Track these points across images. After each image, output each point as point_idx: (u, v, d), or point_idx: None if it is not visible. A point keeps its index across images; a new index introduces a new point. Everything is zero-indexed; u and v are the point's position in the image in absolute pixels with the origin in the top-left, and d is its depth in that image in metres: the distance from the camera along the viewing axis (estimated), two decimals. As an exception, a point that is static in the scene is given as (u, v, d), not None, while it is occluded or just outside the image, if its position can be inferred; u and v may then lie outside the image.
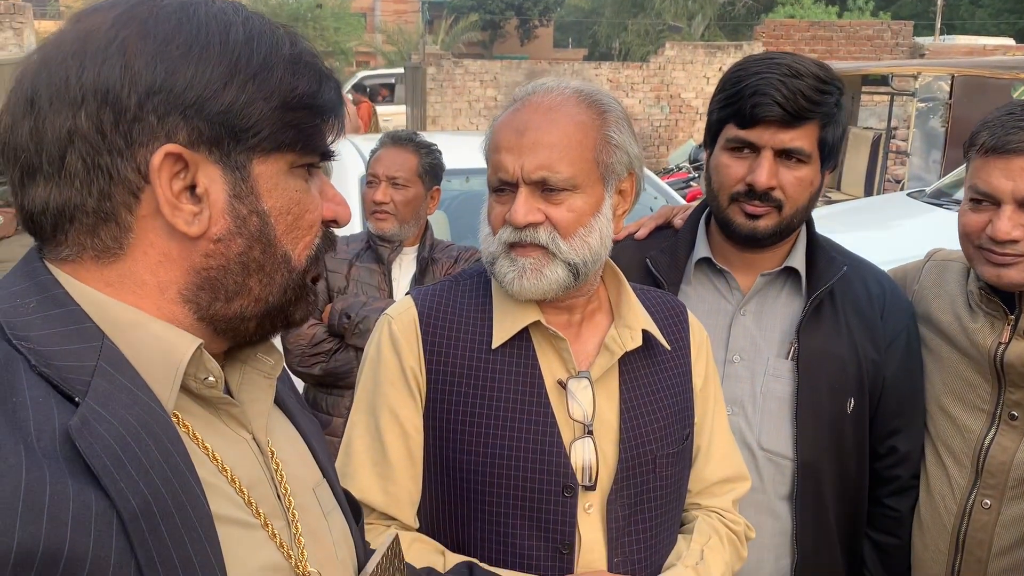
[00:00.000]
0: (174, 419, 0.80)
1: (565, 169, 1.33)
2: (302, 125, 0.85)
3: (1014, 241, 1.63)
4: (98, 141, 0.77)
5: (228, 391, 0.90)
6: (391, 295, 2.75)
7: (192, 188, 0.80)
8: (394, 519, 1.44)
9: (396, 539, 1.06)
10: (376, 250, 2.79)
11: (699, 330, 1.59)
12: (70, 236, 0.80)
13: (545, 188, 1.33)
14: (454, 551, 1.42)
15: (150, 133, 0.78)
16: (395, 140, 2.84)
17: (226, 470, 0.84)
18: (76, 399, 0.73)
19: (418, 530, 1.47)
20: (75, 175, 0.78)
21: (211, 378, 0.84)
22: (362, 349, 2.63)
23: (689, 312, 1.60)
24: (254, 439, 0.90)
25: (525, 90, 1.42)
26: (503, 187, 1.37)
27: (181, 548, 0.73)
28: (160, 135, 0.78)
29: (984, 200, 1.68)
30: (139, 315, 0.81)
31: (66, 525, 0.66)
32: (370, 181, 2.79)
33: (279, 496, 0.90)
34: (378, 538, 1.31)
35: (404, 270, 2.81)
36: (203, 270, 0.83)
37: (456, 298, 1.48)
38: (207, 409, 0.87)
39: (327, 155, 0.90)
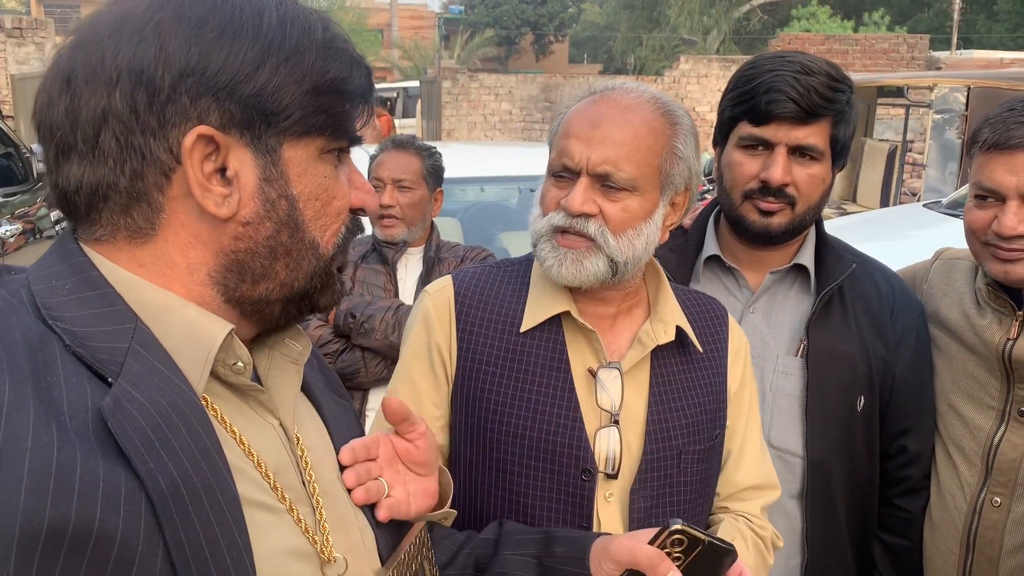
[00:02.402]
0: (203, 402, 0.81)
1: (629, 169, 1.35)
2: (332, 110, 0.85)
3: (1020, 236, 1.63)
4: (132, 121, 0.78)
5: (256, 376, 0.91)
6: (397, 295, 2.75)
7: (223, 170, 0.81)
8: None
9: (425, 528, 1.08)
10: (381, 251, 2.80)
11: (739, 335, 1.59)
12: (104, 216, 0.81)
13: (605, 183, 1.35)
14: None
15: (183, 114, 0.79)
16: (397, 144, 2.85)
17: (253, 454, 0.85)
18: (109, 379, 0.74)
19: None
20: (108, 154, 0.79)
21: (240, 364, 0.85)
22: (368, 349, 2.67)
23: (731, 317, 1.60)
24: (280, 425, 0.91)
25: (605, 85, 1.44)
26: (564, 173, 1.39)
27: (208, 529, 0.74)
28: (192, 116, 0.79)
29: (989, 196, 1.68)
30: (173, 298, 0.82)
31: (96, 504, 0.67)
32: (374, 185, 2.79)
33: (304, 483, 0.91)
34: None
35: (410, 270, 2.81)
36: (232, 252, 0.83)
37: (495, 281, 1.52)
38: (235, 394, 0.87)
39: (355, 140, 0.91)
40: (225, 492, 0.77)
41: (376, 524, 1.00)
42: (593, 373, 1.43)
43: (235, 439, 0.84)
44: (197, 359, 0.81)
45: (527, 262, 1.53)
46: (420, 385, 1.49)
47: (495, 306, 1.48)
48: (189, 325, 0.82)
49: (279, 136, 0.83)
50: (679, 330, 1.47)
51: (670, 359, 1.48)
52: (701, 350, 1.51)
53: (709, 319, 1.56)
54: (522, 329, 1.44)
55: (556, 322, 1.45)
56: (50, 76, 0.82)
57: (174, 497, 0.72)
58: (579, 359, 1.44)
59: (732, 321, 1.60)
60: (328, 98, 0.84)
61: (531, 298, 1.47)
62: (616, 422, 1.41)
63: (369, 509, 1.00)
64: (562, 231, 1.38)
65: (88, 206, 0.82)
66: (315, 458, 0.94)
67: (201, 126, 0.79)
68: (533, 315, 1.45)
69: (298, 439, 0.93)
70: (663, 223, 1.43)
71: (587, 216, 1.36)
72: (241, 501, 0.78)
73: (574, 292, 1.44)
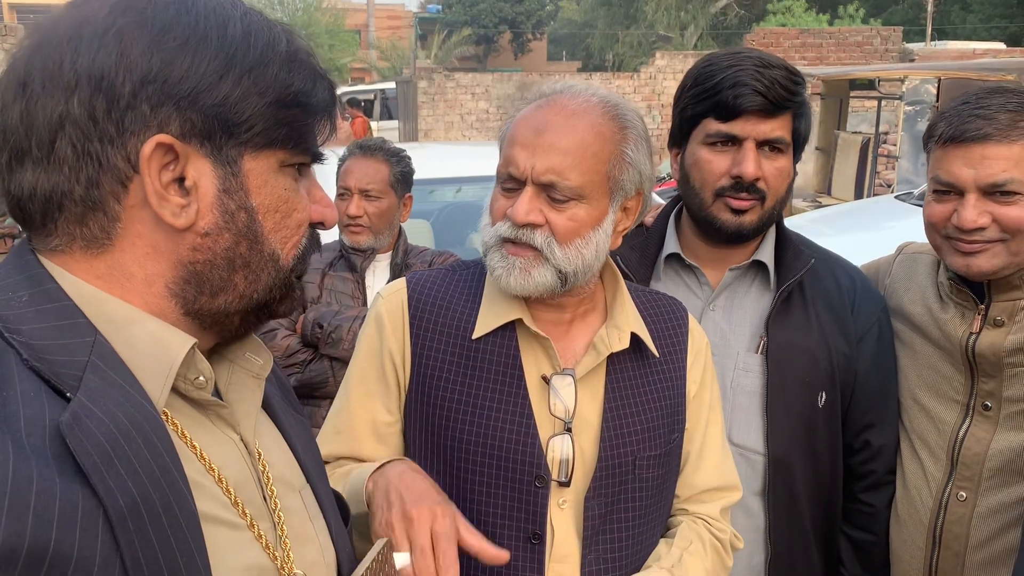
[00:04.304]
0: (163, 417, 0.79)
1: (575, 178, 1.32)
2: (294, 123, 0.84)
3: (980, 229, 1.62)
4: (89, 127, 0.77)
5: (216, 390, 0.90)
6: (365, 303, 2.73)
7: (181, 180, 0.80)
8: (352, 458, 1.46)
9: (387, 543, 1.06)
10: (349, 259, 2.77)
11: (699, 336, 1.57)
12: (59, 225, 0.80)
13: (551, 192, 1.33)
14: None
15: (142, 122, 0.77)
16: (364, 149, 2.81)
17: (213, 469, 0.84)
18: (67, 394, 0.72)
19: None
20: (64, 160, 0.78)
21: (201, 378, 0.84)
22: (336, 359, 2.65)
23: (691, 318, 1.58)
24: (241, 440, 0.90)
25: (553, 87, 1.41)
26: (511, 183, 1.36)
27: (167, 548, 0.73)
28: (152, 125, 0.78)
29: (947, 190, 1.67)
30: (133, 311, 0.81)
31: (52, 523, 0.66)
32: (341, 193, 2.75)
33: (265, 498, 0.90)
34: (343, 477, 1.35)
35: (378, 277, 2.79)
36: (190, 264, 0.82)
37: (449, 285, 1.50)
38: (195, 408, 0.86)
39: (317, 157, 0.90)
40: (184, 509, 0.75)
41: (336, 540, 1.00)
42: (547, 380, 1.41)
43: (195, 454, 0.83)
44: (158, 374, 0.79)
45: (481, 266, 1.50)
46: (373, 389, 1.47)
47: (449, 311, 1.46)
48: (150, 339, 0.80)
49: (240, 148, 0.82)
50: (635, 336, 1.45)
51: (626, 364, 1.46)
52: (657, 355, 1.49)
53: (668, 321, 1.54)
54: (474, 336, 1.42)
55: (510, 328, 1.43)
56: (5, 79, 0.80)
57: (133, 515, 0.71)
58: (533, 366, 1.42)
59: (693, 322, 1.58)
60: (291, 111, 0.84)
61: (484, 304, 1.45)
62: (569, 429, 1.40)
63: (328, 524, 1.00)
64: (510, 241, 1.36)
65: (43, 215, 0.80)
66: (276, 473, 0.93)
67: (161, 134, 0.78)
68: (486, 322, 1.43)
69: (259, 454, 0.92)
70: (615, 229, 1.40)
71: (533, 226, 1.33)
72: (201, 518, 0.77)
73: (528, 298, 1.42)
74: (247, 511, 0.86)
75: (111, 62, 0.76)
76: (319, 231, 0.94)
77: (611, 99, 1.40)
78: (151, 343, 0.80)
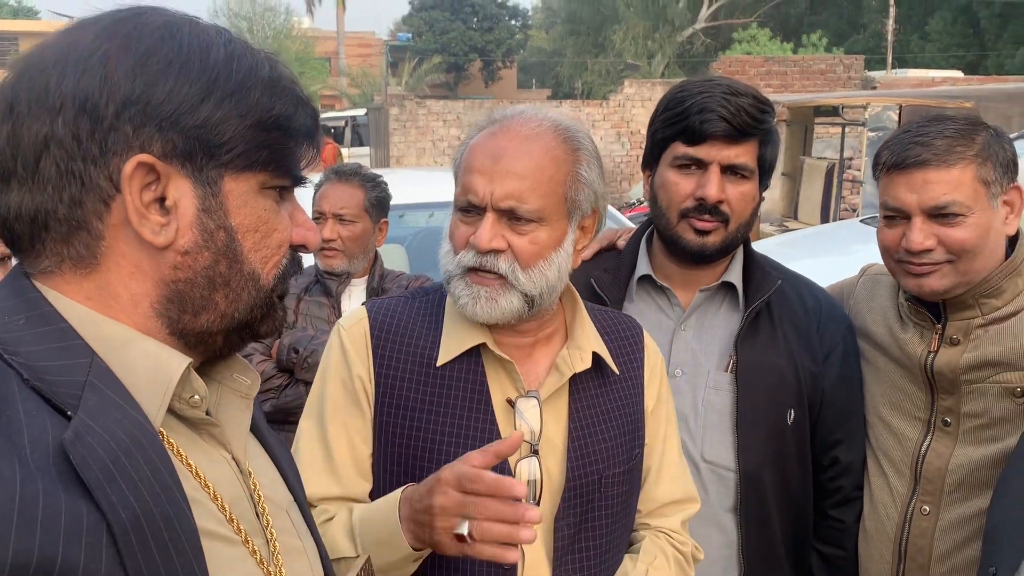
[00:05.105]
0: (160, 436, 0.81)
1: (534, 201, 1.35)
2: (275, 146, 0.86)
3: (928, 251, 1.69)
4: (73, 148, 0.79)
5: (207, 411, 0.92)
6: None
7: (162, 200, 0.81)
8: (351, 499, 1.44)
9: (368, 561, 1.08)
10: (324, 283, 2.78)
11: (654, 352, 1.61)
12: (47, 245, 0.82)
13: (512, 217, 1.35)
14: None
15: (125, 143, 0.79)
16: (340, 175, 2.82)
17: (209, 487, 0.86)
18: (68, 412, 0.74)
19: None
20: (48, 180, 0.79)
21: (196, 396, 0.86)
22: (311, 383, 2.63)
23: (646, 334, 1.62)
24: (233, 458, 0.92)
25: (504, 114, 1.43)
26: (470, 209, 1.38)
27: (168, 561, 0.74)
28: (135, 145, 0.79)
29: (895, 215, 1.75)
30: (129, 332, 0.82)
31: (59, 537, 0.67)
32: (315, 217, 2.76)
33: (258, 515, 0.92)
34: (330, 521, 1.35)
35: (354, 301, 2.80)
36: (172, 283, 0.84)
37: (410, 313, 1.50)
38: (188, 427, 0.88)
39: (299, 180, 0.92)
40: (184, 524, 0.77)
41: (323, 557, 1.02)
42: (512, 403, 1.42)
43: (191, 472, 0.84)
44: (155, 393, 0.81)
45: (441, 292, 1.51)
46: (350, 423, 1.46)
47: (411, 338, 1.47)
48: (146, 358, 0.82)
49: (220, 168, 0.83)
50: (596, 355, 1.48)
51: (588, 384, 1.48)
52: (618, 372, 1.52)
53: (625, 339, 1.58)
54: (439, 363, 1.43)
55: (475, 353, 1.44)
56: None
57: (135, 529, 0.72)
58: (498, 390, 1.43)
59: (648, 338, 1.62)
60: (272, 134, 0.85)
61: (446, 330, 1.46)
62: (535, 451, 1.41)
63: (316, 541, 1.02)
64: (474, 270, 1.38)
65: (30, 235, 0.82)
66: (266, 492, 0.95)
67: (142, 154, 0.79)
68: (449, 349, 1.44)
69: (250, 472, 0.94)
70: (574, 248, 1.44)
71: (496, 252, 1.36)
72: (200, 533, 0.79)
73: (490, 324, 1.43)
74: (242, 527, 0.88)
75: (95, 84, 0.78)
76: (302, 254, 0.96)
77: (562, 122, 1.43)
78: (147, 363, 0.82)
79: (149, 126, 0.79)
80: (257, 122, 0.84)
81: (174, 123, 0.80)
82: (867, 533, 1.89)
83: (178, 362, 0.83)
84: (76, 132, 0.78)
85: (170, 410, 0.84)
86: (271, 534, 0.92)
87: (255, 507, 0.92)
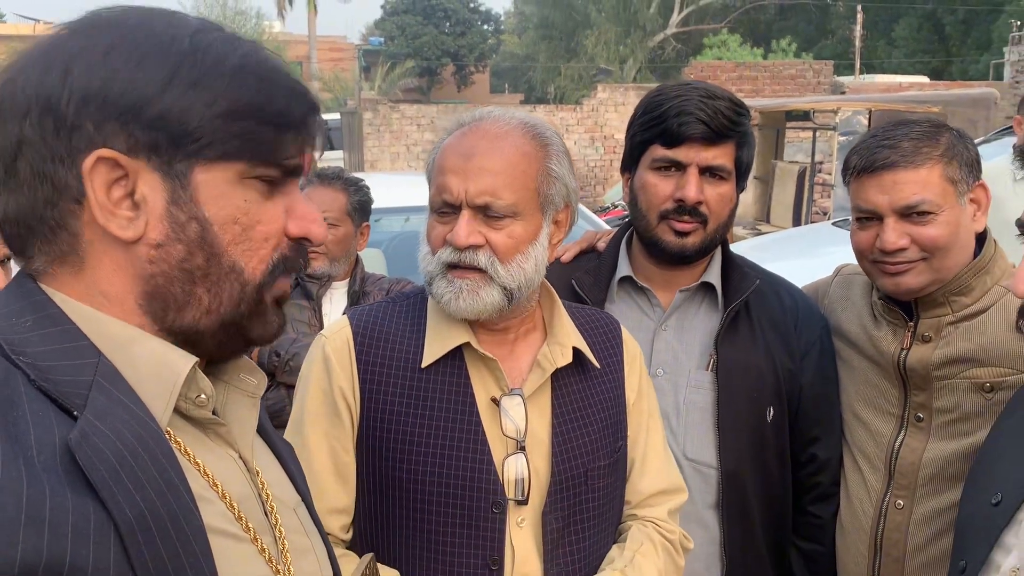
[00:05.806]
0: (166, 435, 0.81)
1: (508, 196, 1.38)
2: (249, 135, 0.83)
3: (902, 249, 1.74)
4: (42, 149, 0.79)
5: (213, 410, 0.91)
6: (322, 330, 2.74)
7: (133, 195, 0.81)
8: (330, 510, 1.46)
9: (372, 560, 1.09)
10: (304, 286, 2.78)
11: (632, 346, 1.64)
12: (36, 247, 0.82)
13: (487, 213, 1.38)
14: (388, 564, 1.44)
15: (88, 140, 0.79)
16: (322, 178, 2.84)
17: (217, 485, 0.86)
18: (74, 413, 0.74)
19: (352, 543, 1.50)
20: (24, 182, 0.80)
21: (202, 396, 0.86)
22: (293, 387, 2.63)
23: (623, 328, 1.65)
24: (240, 457, 0.92)
25: (473, 116, 1.46)
26: (446, 208, 1.41)
27: (176, 559, 0.75)
28: (98, 142, 0.79)
29: (868, 217, 1.79)
30: (133, 331, 0.82)
31: (67, 537, 0.67)
32: None
33: (266, 513, 0.92)
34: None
35: (335, 305, 2.81)
36: (150, 277, 0.83)
37: (391, 318, 1.51)
38: (195, 427, 0.88)
39: (289, 170, 0.88)
40: (191, 522, 0.77)
41: (331, 555, 1.02)
42: (496, 401, 1.45)
43: (199, 471, 0.85)
44: (161, 392, 0.81)
45: (421, 295, 1.53)
46: (332, 433, 1.47)
47: (394, 343, 1.48)
48: (152, 357, 0.82)
49: (189, 159, 0.82)
50: (576, 350, 1.51)
51: (570, 379, 1.51)
52: (598, 366, 1.55)
53: (603, 334, 1.61)
54: (423, 364, 1.45)
55: (457, 354, 1.46)
56: None
57: (142, 528, 0.73)
58: (482, 389, 1.46)
59: (625, 333, 1.65)
60: (243, 123, 0.83)
61: (430, 332, 1.48)
62: (522, 448, 1.43)
63: (323, 539, 1.03)
64: (453, 266, 1.40)
65: (21, 238, 0.83)
66: (273, 490, 0.95)
67: (102, 149, 0.79)
68: (433, 350, 1.45)
69: (258, 472, 0.94)
70: (549, 242, 1.47)
71: (475, 248, 1.38)
72: (208, 531, 0.79)
73: (472, 322, 1.45)
74: (250, 525, 0.88)
75: (55, 84, 0.79)
76: (308, 247, 0.92)
77: (529, 120, 1.47)
78: (153, 362, 0.82)
79: (111, 121, 0.79)
80: (227, 111, 0.82)
81: (136, 116, 0.79)
82: (844, 528, 1.93)
83: (184, 362, 0.83)
84: (43, 132, 0.79)
85: (177, 410, 0.84)
86: (280, 532, 0.92)
87: (263, 506, 0.92)
